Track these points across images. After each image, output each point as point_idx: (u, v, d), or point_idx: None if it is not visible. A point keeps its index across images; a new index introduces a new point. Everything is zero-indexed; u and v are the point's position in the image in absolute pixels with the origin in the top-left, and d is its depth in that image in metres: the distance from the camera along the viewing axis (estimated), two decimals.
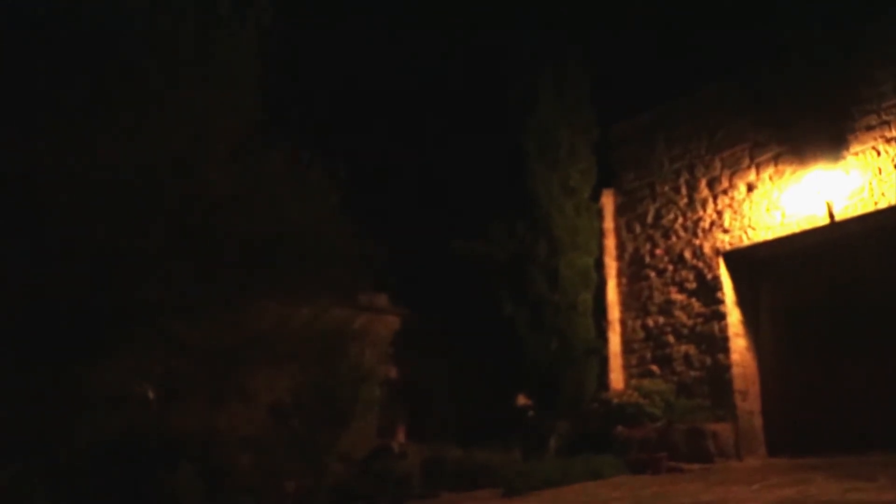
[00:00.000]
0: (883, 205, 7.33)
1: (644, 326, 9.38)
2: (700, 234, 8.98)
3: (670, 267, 9.25)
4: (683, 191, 9.29)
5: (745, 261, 8.75)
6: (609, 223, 10.05)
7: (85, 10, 4.90)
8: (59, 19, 4.84)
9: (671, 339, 9.01)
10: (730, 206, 8.72)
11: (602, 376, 9.22)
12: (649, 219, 9.63)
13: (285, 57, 5.96)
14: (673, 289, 9.16)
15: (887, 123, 7.46)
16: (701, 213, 9.03)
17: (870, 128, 7.58)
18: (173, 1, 5.30)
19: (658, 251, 9.44)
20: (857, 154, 7.63)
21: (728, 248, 8.65)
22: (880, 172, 7.42)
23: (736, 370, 8.33)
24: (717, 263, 8.73)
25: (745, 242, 8.49)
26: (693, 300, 8.89)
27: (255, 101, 5.75)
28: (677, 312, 9.02)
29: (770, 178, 8.35)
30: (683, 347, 8.84)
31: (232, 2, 5.64)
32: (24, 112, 4.87)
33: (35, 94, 4.86)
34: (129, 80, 4.98)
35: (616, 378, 9.37)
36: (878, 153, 7.48)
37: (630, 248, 9.80)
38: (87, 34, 4.88)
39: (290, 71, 6.16)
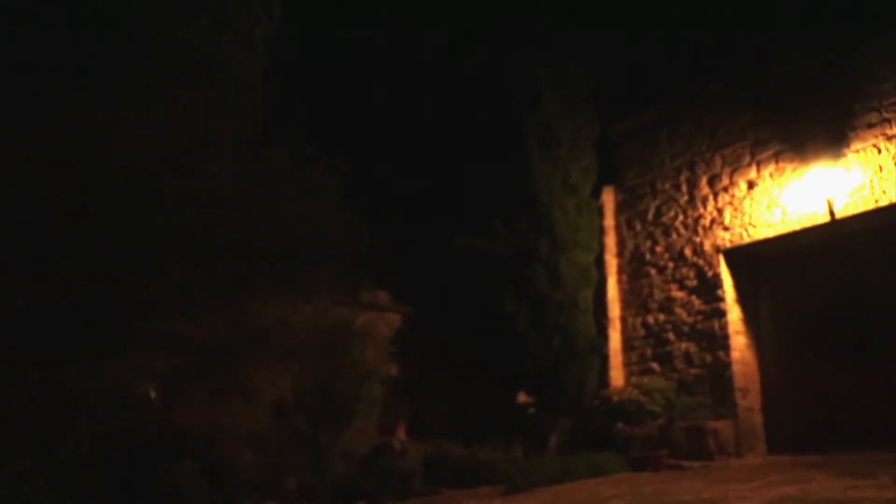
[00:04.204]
0: (884, 202, 7.34)
1: (644, 324, 9.39)
2: (700, 231, 8.99)
3: (671, 264, 9.26)
4: (684, 188, 9.30)
5: (746, 258, 8.76)
6: (610, 220, 10.06)
7: (89, 9, 4.90)
8: (64, 18, 4.84)
9: (671, 336, 9.02)
10: (730, 203, 8.72)
11: (602, 374, 9.23)
12: (650, 216, 9.64)
13: (289, 55, 5.96)
14: (673, 286, 9.17)
15: (888, 121, 7.46)
16: (701, 210, 9.03)
17: (871, 125, 7.58)
18: (183, 3, 5.30)
19: (658, 248, 9.45)
20: (857, 151, 7.63)
21: (728, 245, 8.66)
22: (881, 170, 7.43)
23: (736, 368, 8.35)
24: (718, 261, 8.74)
25: (746, 240, 8.50)
26: (693, 298, 8.91)
27: (259, 99, 5.75)
28: (678, 310, 9.03)
29: (771, 176, 8.35)
30: (684, 345, 8.85)
31: (243, 6, 5.65)
32: (25, 110, 4.86)
33: (37, 92, 4.85)
34: (132, 78, 4.98)
35: (616, 375, 9.38)
36: (879, 151, 7.48)
37: (630, 245, 9.81)
38: (91, 33, 4.88)
39: (294, 69, 6.16)
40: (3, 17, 4.79)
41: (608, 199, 10.11)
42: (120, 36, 4.96)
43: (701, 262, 8.91)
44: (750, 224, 8.47)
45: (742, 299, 8.72)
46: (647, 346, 9.30)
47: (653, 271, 9.45)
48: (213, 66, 5.40)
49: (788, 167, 8.19)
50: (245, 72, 5.72)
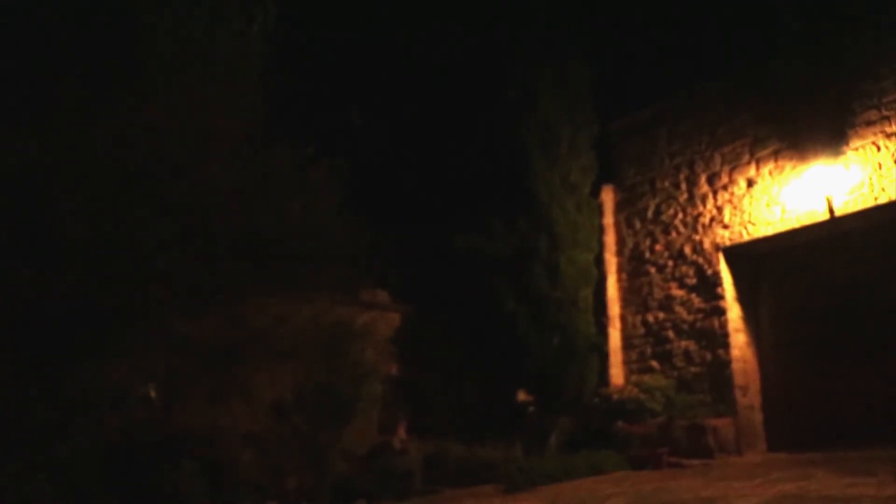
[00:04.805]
0: (883, 200, 7.34)
1: (644, 322, 9.40)
2: (700, 229, 8.99)
3: (670, 263, 9.27)
4: (683, 186, 9.30)
5: (745, 256, 8.76)
6: (609, 219, 10.06)
7: (89, 7, 4.89)
8: (63, 15, 4.83)
9: (671, 334, 9.03)
10: (730, 201, 8.73)
11: (602, 372, 9.24)
12: (649, 214, 9.65)
13: (289, 54, 5.96)
14: (673, 284, 9.17)
15: (887, 118, 7.46)
16: (701, 208, 9.04)
17: (870, 123, 7.58)
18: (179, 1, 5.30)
19: (658, 247, 9.45)
20: (857, 149, 7.64)
21: (728, 243, 8.66)
22: (880, 168, 7.43)
23: (736, 366, 8.35)
24: (717, 259, 8.75)
25: (745, 238, 8.50)
26: (693, 296, 8.91)
27: (258, 98, 5.75)
28: (677, 308, 9.04)
29: (770, 174, 8.36)
30: (684, 343, 8.86)
31: (239, 4, 5.64)
32: (25, 108, 4.86)
33: (36, 90, 4.85)
34: (132, 77, 4.97)
35: (616, 374, 9.39)
36: (879, 148, 7.48)
37: (630, 243, 9.82)
38: (90, 31, 4.87)
39: (294, 68, 6.15)
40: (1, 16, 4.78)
41: (608, 197, 10.12)
42: (117, 34, 4.95)
43: (700, 260, 8.92)
44: (749, 222, 8.47)
45: (742, 297, 8.72)
46: (646, 344, 9.31)
47: (652, 270, 9.46)
48: (210, 64, 5.40)
49: (788, 165, 8.20)
50: (243, 70, 5.71)
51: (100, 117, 4.91)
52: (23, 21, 4.89)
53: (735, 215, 8.64)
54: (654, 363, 9.13)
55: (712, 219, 8.89)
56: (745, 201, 8.55)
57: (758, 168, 8.51)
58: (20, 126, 4.77)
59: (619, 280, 9.86)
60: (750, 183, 8.55)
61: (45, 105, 4.85)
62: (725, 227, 8.72)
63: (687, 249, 9.11)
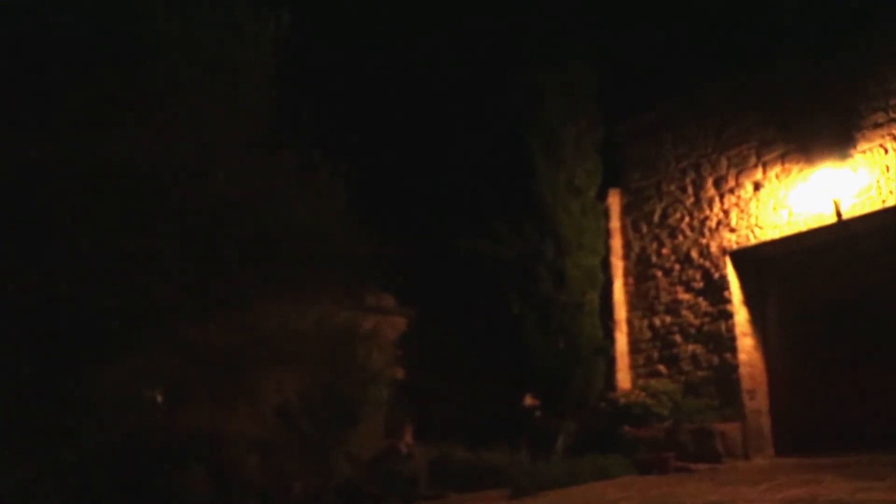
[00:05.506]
0: (891, 203, 7.30)
1: (651, 326, 9.37)
2: (707, 233, 8.96)
3: (677, 266, 9.24)
4: (690, 190, 9.28)
5: (752, 260, 8.73)
6: (615, 222, 10.04)
7: (96, 12, 4.92)
8: (70, 19, 4.87)
9: (678, 338, 8.99)
10: (736, 205, 8.70)
11: (609, 376, 9.21)
12: (656, 218, 9.62)
13: (296, 59, 5.98)
14: (680, 288, 9.14)
15: (895, 121, 7.43)
16: (707, 212, 9.01)
17: (878, 125, 7.55)
18: (192, 7, 5.33)
19: (664, 250, 9.43)
20: (864, 152, 7.60)
21: (735, 247, 8.63)
22: (888, 170, 7.40)
23: (743, 370, 8.31)
24: (724, 262, 8.71)
25: (752, 241, 8.47)
26: (700, 299, 8.88)
27: (265, 103, 5.77)
28: (684, 312, 9.01)
29: (777, 177, 8.33)
30: (691, 347, 8.82)
31: (253, 10, 5.67)
32: (32, 112, 4.89)
33: (43, 95, 4.88)
34: (140, 82, 4.99)
35: (623, 378, 9.36)
36: (886, 151, 7.45)
37: (636, 247, 9.79)
38: (97, 34, 4.90)
39: (301, 72, 6.18)
40: (7, 17, 4.82)
41: (614, 200, 10.10)
42: (127, 38, 4.98)
43: (707, 263, 8.89)
44: (756, 225, 8.44)
45: (749, 301, 8.68)
46: (653, 348, 9.27)
47: (659, 273, 9.43)
48: (221, 70, 5.42)
49: (794, 168, 8.17)
50: (253, 75, 5.73)
51: (107, 120, 4.94)
52: (33, 26, 4.92)
53: (742, 219, 8.61)
54: (661, 367, 9.09)
55: (719, 222, 8.86)
56: (752, 205, 8.52)
57: (764, 171, 8.48)
58: (27, 128, 4.80)
59: (626, 284, 9.82)
60: (756, 186, 8.52)
61: (52, 107, 4.88)
62: (732, 230, 8.69)
63: (693, 253, 9.08)
